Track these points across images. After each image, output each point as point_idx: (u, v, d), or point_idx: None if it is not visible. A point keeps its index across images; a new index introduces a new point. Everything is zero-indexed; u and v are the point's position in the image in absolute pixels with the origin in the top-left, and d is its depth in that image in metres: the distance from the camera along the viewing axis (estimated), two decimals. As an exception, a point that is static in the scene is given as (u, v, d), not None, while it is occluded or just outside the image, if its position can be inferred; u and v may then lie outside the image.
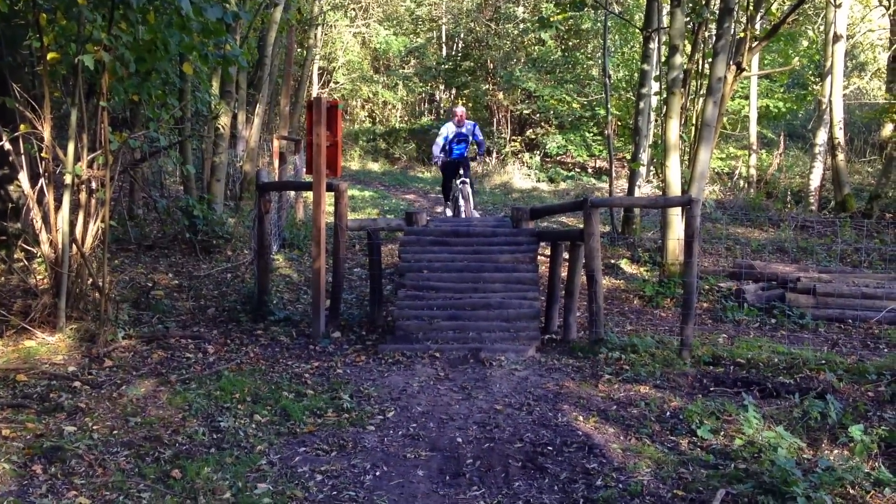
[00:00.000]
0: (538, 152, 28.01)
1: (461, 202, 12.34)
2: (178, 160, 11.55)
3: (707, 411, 5.87)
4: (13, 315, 7.41)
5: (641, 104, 14.96)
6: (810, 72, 25.85)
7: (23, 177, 7.47)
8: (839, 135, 18.20)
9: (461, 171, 12.64)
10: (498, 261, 8.82)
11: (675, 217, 10.94)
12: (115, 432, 5.42)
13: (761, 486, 4.49)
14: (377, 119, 34.59)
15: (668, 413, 5.98)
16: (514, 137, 29.16)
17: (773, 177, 22.31)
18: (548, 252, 10.33)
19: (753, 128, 22.91)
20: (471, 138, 12.76)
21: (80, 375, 6.45)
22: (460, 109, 13.02)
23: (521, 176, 25.42)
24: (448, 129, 12.74)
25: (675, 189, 11.11)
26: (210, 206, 12.04)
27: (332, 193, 8.58)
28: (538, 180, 25.11)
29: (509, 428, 5.74)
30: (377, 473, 5.02)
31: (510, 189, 22.78)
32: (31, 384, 6.19)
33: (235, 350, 7.67)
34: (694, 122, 12.46)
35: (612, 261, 12.59)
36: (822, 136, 18.98)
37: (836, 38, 17.95)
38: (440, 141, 12.61)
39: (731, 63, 11.42)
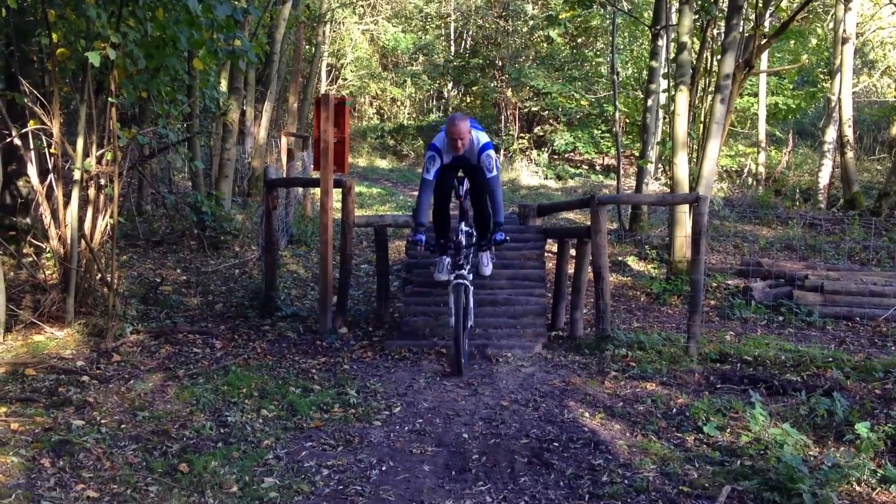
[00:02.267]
0: (546, 149, 28.00)
1: (465, 314, 7.04)
2: (187, 156, 11.59)
3: (713, 408, 5.87)
4: (22, 310, 7.45)
5: (650, 101, 14.94)
6: (819, 69, 25.77)
7: (32, 172, 7.51)
8: (848, 132, 18.16)
9: (470, 228, 7.76)
10: (505, 257, 8.82)
11: (683, 214, 10.92)
12: (122, 426, 5.45)
13: (767, 483, 4.49)
14: (385, 116, 34.62)
15: (674, 410, 5.98)
16: (521, 135, 29.15)
17: (781, 174, 22.26)
18: (554, 249, 10.33)
19: (762, 125, 22.86)
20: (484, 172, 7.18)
21: (89, 370, 6.48)
22: (462, 124, 6.96)
23: (528, 173, 25.41)
24: (440, 154, 7.17)
25: (684, 186, 11.09)
26: (218, 203, 12.08)
27: (340, 190, 8.60)
28: (546, 177, 25.11)
29: (515, 424, 5.75)
30: (383, 468, 5.03)
31: (517, 186, 22.78)
32: (39, 378, 6.22)
33: (243, 345, 7.69)
34: (702, 119, 12.46)
35: (620, 258, 12.58)
36: (831, 134, 18.93)
37: (846, 36, 17.89)
38: (427, 178, 7.10)
39: (740, 60, 11.40)
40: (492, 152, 7.04)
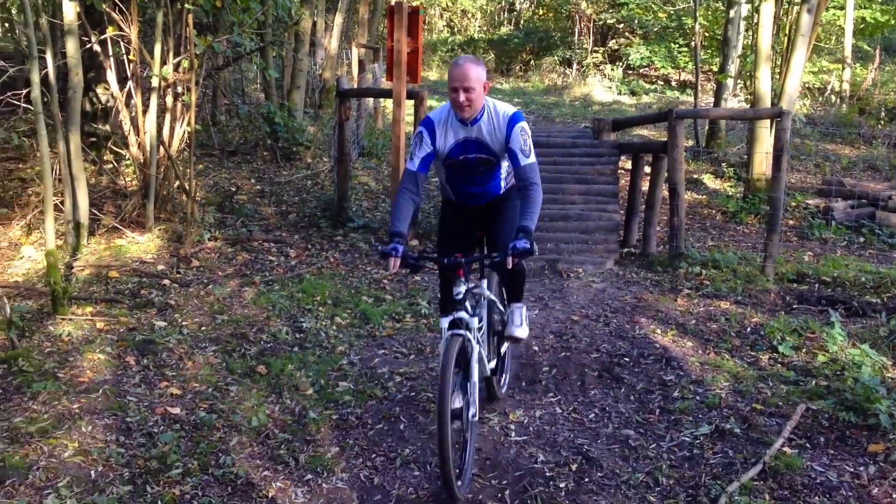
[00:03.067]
0: (620, 64, 27.29)
1: (470, 376, 4.01)
2: (261, 65, 11.61)
3: (789, 328, 5.77)
4: (104, 215, 7.65)
5: (732, 13, 14.38)
6: (913, -18, 24.41)
7: (111, 79, 7.61)
8: (942, 48, 17.27)
9: (483, 259, 4.25)
10: (578, 172, 8.72)
11: (764, 130, 10.61)
12: (203, 328, 5.62)
13: (843, 403, 4.43)
14: (456, 29, 34.05)
15: (748, 329, 5.90)
16: (595, 48, 28.42)
17: (867, 92, 21.34)
18: (628, 165, 10.15)
19: (849, 40, 21.83)
20: (501, 160, 4.30)
21: (169, 274, 6.66)
22: (470, 65, 3.99)
23: (601, 88, 24.83)
24: (432, 130, 4.22)
25: (765, 101, 10.74)
26: (290, 114, 12.11)
27: (412, 102, 8.53)
28: (619, 93, 24.52)
29: (586, 338, 5.75)
30: (455, 377, 5.09)
31: (590, 102, 22.32)
32: (122, 280, 6.43)
33: (316, 255, 7.80)
34: (787, 32, 11.95)
35: (695, 175, 12.32)
36: (922, 50, 18.03)
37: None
38: (409, 168, 4.18)
39: (831, -31, 10.85)
40: (525, 126, 4.12)
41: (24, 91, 6.31)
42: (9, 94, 6.64)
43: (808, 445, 4.09)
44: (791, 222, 10.05)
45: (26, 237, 7.24)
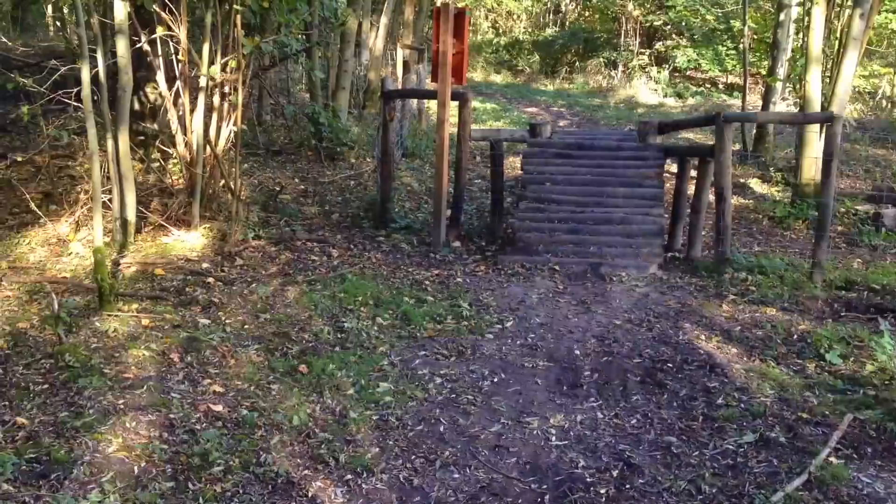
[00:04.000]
0: (667, 66, 27.03)
1: None
2: (308, 65, 11.69)
3: (837, 336, 5.67)
4: (151, 212, 7.75)
5: (782, 16, 14.16)
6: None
7: (160, 78, 7.72)
8: None
9: None
10: (622, 175, 8.64)
11: (813, 134, 10.42)
12: (246, 327, 5.67)
13: (891, 414, 4.35)
14: (500, 30, 33.99)
15: (795, 336, 5.81)
16: (641, 50, 28.19)
17: (920, 97, 20.90)
18: (674, 169, 10.04)
19: (902, 44, 21.42)
20: None
21: (214, 272, 6.73)
22: None
23: (647, 91, 24.61)
24: None
25: (815, 105, 10.55)
26: (335, 114, 12.18)
27: (457, 103, 8.52)
28: (665, 95, 24.29)
29: (628, 343, 5.70)
30: (495, 380, 5.09)
31: (635, 104, 22.14)
32: (168, 278, 6.51)
33: (358, 255, 7.83)
34: (838, 35, 11.74)
35: (742, 180, 12.14)
36: (980, 53, 17.61)
37: None
38: None
39: (885, -29, 10.63)
40: None
41: (75, 90, 6.42)
42: (60, 92, 6.75)
43: (854, 456, 4.02)
44: (840, 228, 9.86)
45: (75, 234, 7.36)
